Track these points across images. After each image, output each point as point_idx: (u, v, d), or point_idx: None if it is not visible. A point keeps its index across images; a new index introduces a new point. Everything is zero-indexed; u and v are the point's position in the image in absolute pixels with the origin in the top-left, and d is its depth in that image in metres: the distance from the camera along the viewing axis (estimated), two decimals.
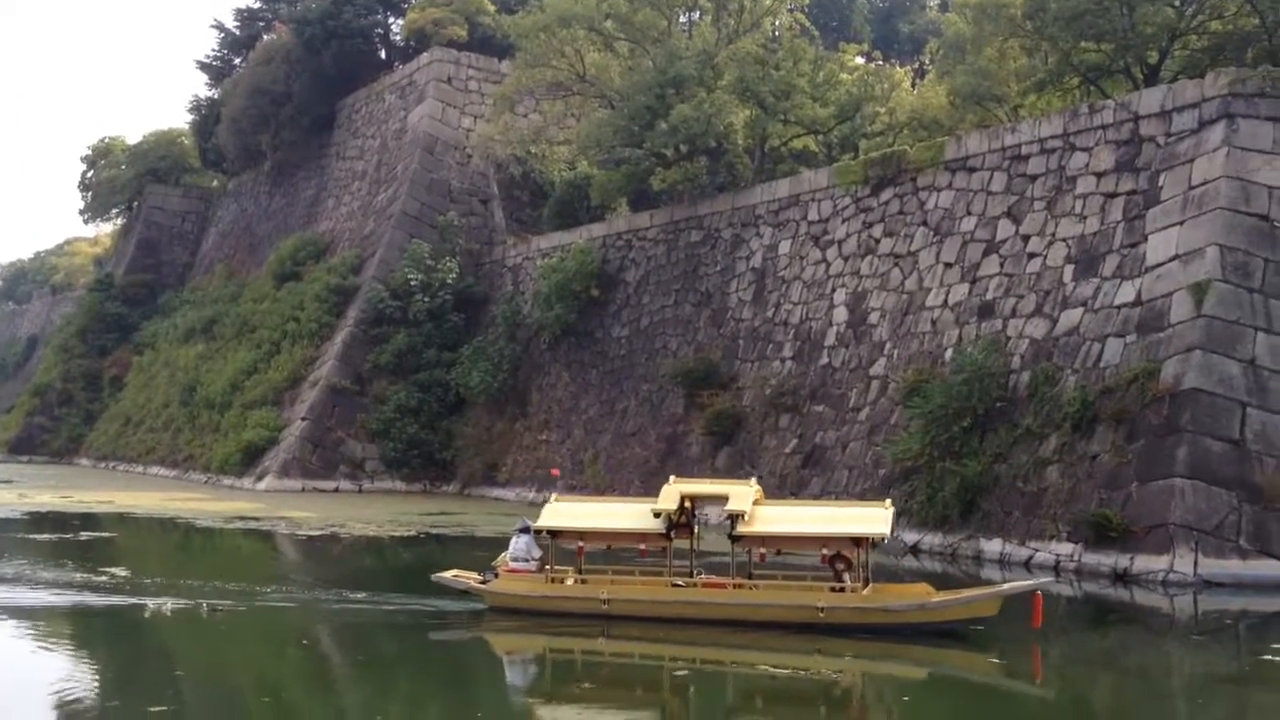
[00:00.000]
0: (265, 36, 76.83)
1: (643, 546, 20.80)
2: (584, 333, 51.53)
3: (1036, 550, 28.60)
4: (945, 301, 35.88)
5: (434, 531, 36.60)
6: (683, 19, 53.22)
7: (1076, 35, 35.68)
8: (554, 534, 20.58)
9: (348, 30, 68.53)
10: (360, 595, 22.44)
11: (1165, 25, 35.39)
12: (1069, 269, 32.34)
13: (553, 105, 54.89)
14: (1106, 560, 26.79)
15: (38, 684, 15.13)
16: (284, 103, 70.76)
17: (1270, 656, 18.69)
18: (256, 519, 39.43)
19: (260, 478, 54.38)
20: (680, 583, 19.93)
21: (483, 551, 32.26)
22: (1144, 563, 26.16)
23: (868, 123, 47.60)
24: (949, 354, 34.44)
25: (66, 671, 16.33)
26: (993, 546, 29.75)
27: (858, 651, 18.26)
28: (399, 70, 67.82)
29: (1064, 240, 32.87)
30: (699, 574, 20.40)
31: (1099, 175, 32.58)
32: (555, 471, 28.73)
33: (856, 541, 19.38)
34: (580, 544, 20.71)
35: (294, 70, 69.47)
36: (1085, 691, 16.54)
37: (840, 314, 39.80)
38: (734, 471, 40.82)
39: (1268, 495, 26.22)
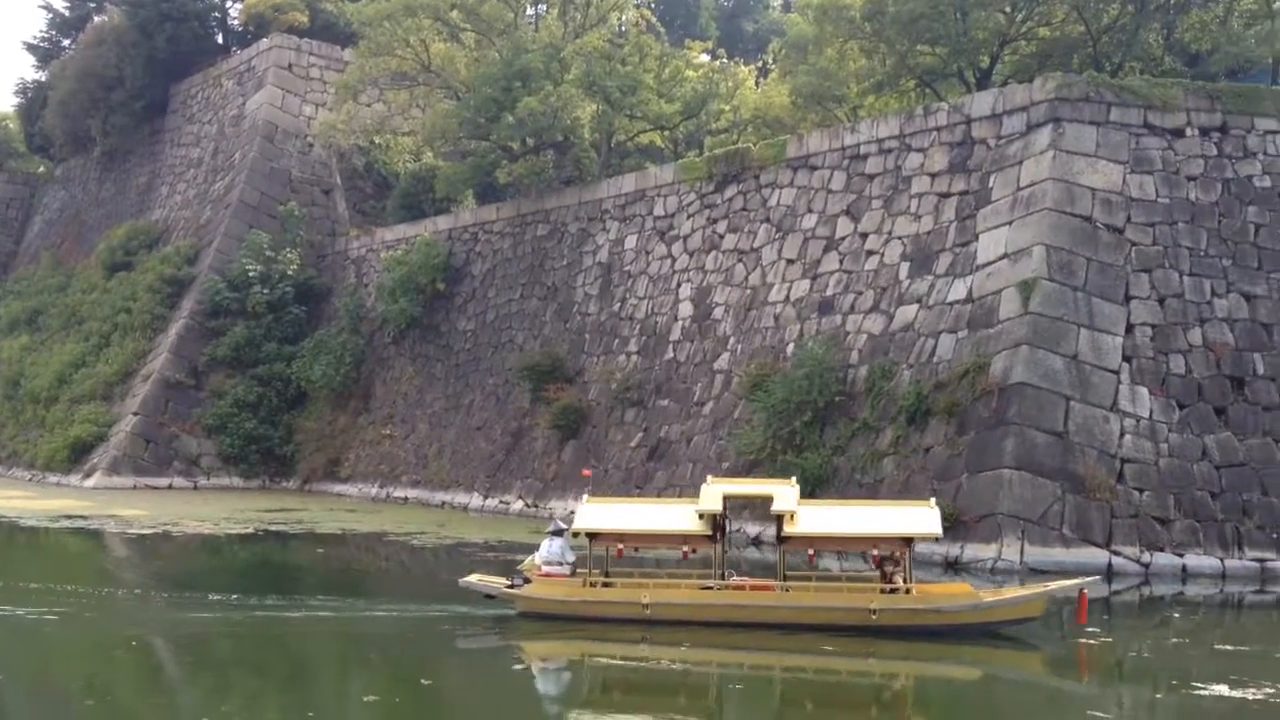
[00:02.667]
0: (96, 18, 73.77)
1: (685, 549, 20.09)
2: (429, 326, 50.97)
3: None
4: (787, 297, 36.53)
5: (273, 529, 35.79)
6: (529, 11, 53.02)
7: (913, 38, 36.70)
8: (593, 536, 19.65)
9: (183, 13, 66.26)
10: (217, 598, 21.70)
11: (996, 31, 36.64)
12: (905, 266, 33.24)
13: (397, 95, 54.08)
14: (939, 549, 27.61)
15: None
16: (115, 87, 68.12)
17: (1086, 640, 19.48)
18: (85, 517, 37.97)
19: (89, 475, 52.39)
20: (714, 585, 19.18)
21: (322, 549, 31.75)
22: (974, 551, 27.06)
23: (712, 120, 48.13)
24: (790, 349, 35.09)
25: None
26: None
27: (913, 653, 17.81)
28: (237, 56, 65.96)
29: (900, 238, 33.77)
30: (730, 575, 19.75)
31: (933, 175, 33.57)
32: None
33: (907, 541, 19.04)
34: (619, 546, 19.94)
35: (126, 53, 66.92)
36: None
37: (685, 309, 40.18)
38: (579, 465, 40.89)
39: (1089, 486, 27.39)
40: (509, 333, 47.52)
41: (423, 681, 16.20)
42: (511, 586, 19.84)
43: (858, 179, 35.79)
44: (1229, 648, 18.72)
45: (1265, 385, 29.12)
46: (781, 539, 19.25)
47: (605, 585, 19.42)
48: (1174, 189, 30.62)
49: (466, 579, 20.43)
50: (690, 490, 35.97)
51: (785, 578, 19.53)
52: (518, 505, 42.19)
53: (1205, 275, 30.01)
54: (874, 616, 18.34)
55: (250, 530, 35.17)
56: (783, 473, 32.54)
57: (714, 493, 19.34)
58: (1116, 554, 26.91)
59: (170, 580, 24.61)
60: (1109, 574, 26.35)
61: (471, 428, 46.84)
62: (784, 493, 19.46)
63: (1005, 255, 30.44)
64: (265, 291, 54.99)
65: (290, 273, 55.87)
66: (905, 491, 29.39)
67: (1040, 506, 27.16)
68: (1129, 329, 29.28)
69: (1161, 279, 29.85)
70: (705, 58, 52.73)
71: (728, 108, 48.27)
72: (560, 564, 20.05)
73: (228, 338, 54.58)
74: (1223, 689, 15.81)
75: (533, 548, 31.25)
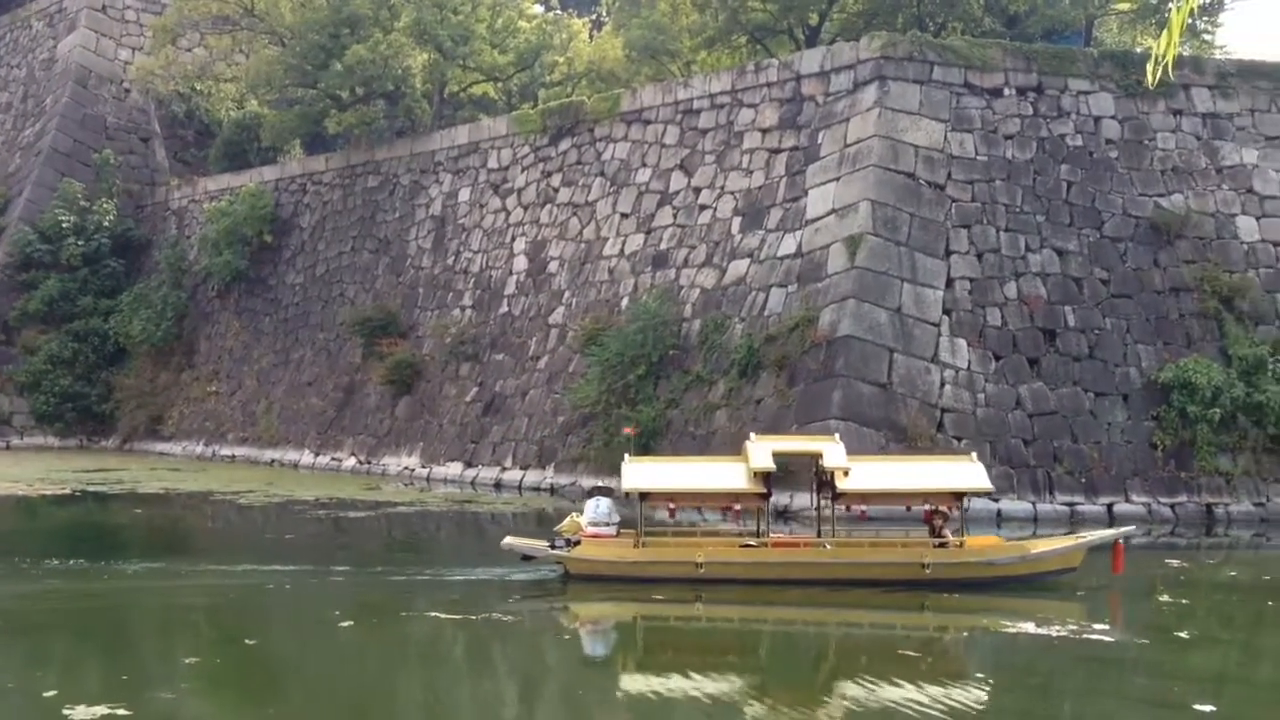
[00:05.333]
0: None
1: (737, 506, 19.74)
2: (256, 280, 49.61)
3: None
4: (622, 251, 36.64)
5: (91, 489, 34.52)
6: None
7: None
8: (643, 496, 19.11)
9: None
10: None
11: None
12: (737, 221, 33.66)
13: (219, 40, 52.14)
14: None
15: None
16: None
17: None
18: None
19: None
20: (768, 543, 18.99)
21: (141, 509, 30.76)
22: (803, 499, 27.64)
23: (546, 72, 47.80)
24: (625, 303, 35.25)
25: None
26: None
27: (964, 605, 17.92)
28: None
29: (732, 193, 34.16)
30: (770, 534, 19.56)
31: (764, 131, 33.99)
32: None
33: (959, 496, 19.13)
34: (671, 505, 19.60)
35: None
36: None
37: (520, 263, 39.96)
38: (413, 421, 40.49)
39: (911, 435, 28.29)
40: (340, 286, 46.59)
41: (247, 642, 15.90)
42: (552, 547, 19.40)
43: (691, 133, 36.02)
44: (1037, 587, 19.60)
45: (1075, 337, 30.45)
46: (835, 495, 19.14)
47: (657, 545, 19.08)
48: (992, 147, 31.64)
49: (508, 540, 19.79)
50: (524, 445, 36.03)
51: (819, 533, 19.63)
52: (350, 462, 41.56)
53: (1020, 231, 31.15)
54: (926, 570, 18.48)
55: (67, 491, 33.85)
56: (617, 426, 32.80)
57: (762, 450, 19.08)
58: None
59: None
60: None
61: (301, 383, 45.88)
62: (833, 449, 19.29)
63: (833, 211, 31.06)
64: (80, 243, 52.79)
65: (106, 224, 53.70)
66: (737, 443, 29.87)
67: (866, 455, 27.89)
68: (949, 283, 30.24)
69: (980, 234, 30.87)
70: (539, 9, 52.21)
71: (562, 60, 47.98)
72: (607, 524, 19.56)
73: (40, 291, 52.29)
74: (1029, 626, 16.61)
75: (367, 504, 30.98)
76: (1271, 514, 29.01)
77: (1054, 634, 16.15)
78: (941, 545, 18.92)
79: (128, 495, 33.36)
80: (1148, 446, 29.50)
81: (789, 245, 31.83)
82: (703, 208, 34.86)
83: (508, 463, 36.37)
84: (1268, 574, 22.46)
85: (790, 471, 21.82)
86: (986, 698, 12.88)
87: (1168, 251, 31.63)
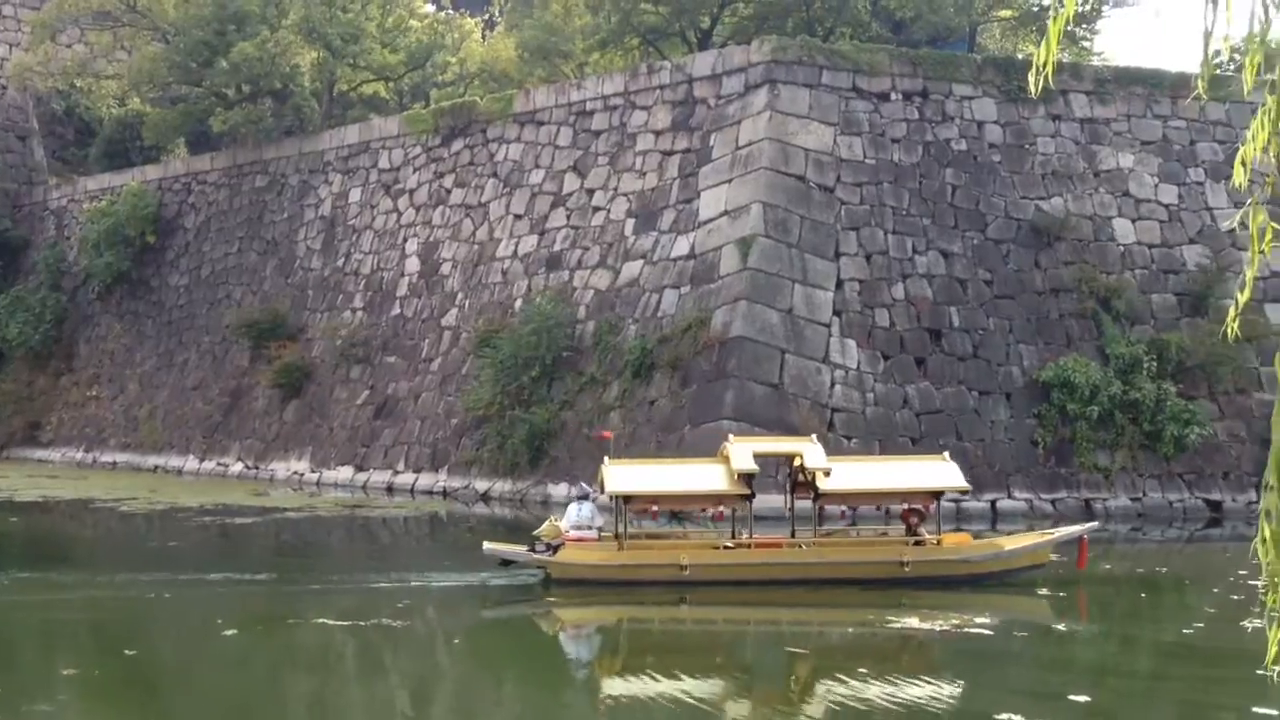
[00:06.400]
0: None
1: (721, 509, 19.65)
2: (138, 281, 48.43)
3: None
4: (515, 253, 36.50)
5: None
6: None
7: None
8: (626, 499, 19.00)
9: None
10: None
11: None
12: (630, 223, 33.75)
13: (100, 36, 50.79)
14: None
15: None
16: None
17: None
18: None
19: None
20: (750, 544, 19.05)
21: (17, 518, 29.78)
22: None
23: (439, 72, 47.45)
24: (519, 304, 35.12)
25: None
26: (559, 491, 30.74)
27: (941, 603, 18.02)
28: None
29: (625, 195, 34.24)
30: (740, 535, 19.51)
31: (657, 133, 34.14)
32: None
33: (936, 495, 19.41)
34: (654, 508, 19.44)
35: None
36: None
37: (412, 264, 39.59)
38: (303, 425, 39.87)
39: (802, 434, 28.52)
40: (226, 288, 45.68)
41: (127, 652, 15.51)
42: (532, 552, 19.18)
43: (584, 135, 36.02)
44: None
45: (960, 337, 31.09)
46: (817, 495, 19.32)
47: (641, 548, 19.03)
48: (880, 150, 32.16)
49: (488, 546, 19.58)
50: (417, 448, 35.70)
51: (794, 533, 19.78)
52: (237, 467, 40.78)
53: (907, 233, 31.70)
54: (905, 569, 18.72)
55: None
56: (511, 428, 32.67)
57: (744, 451, 19.16)
58: None
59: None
60: (820, 518, 27.60)
61: (186, 388, 44.89)
62: (812, 450, 19.42)
63: (725, 213, 31.31)
64: None
65: None
66: (632, 444, 29.97)
67: None
68: (839, 284, 30.66)
69: (868, 237, 31.36)
70: (430, 8, 51.78)
71: (454, 60, 47.65)
72: (589, 528, 19.41)
73: None
74: (914, 620, 16.92)
75: (255, 510, 30.41)
76: (1147, 509, 29.97)
77: (938, 628, 16.47)
78: (919, 544, 19.27)
79: (3, 504, 32.32)
80: (1029, 444, 30.23)
81: (682, 247, 32.00)
82: (596, 209, 34.89)
83: (400, 466, 35.99)
84: (1141, 567, 23.20)
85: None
86: (875, 691, 13.08)
87: (1048, 253, 32.44)
